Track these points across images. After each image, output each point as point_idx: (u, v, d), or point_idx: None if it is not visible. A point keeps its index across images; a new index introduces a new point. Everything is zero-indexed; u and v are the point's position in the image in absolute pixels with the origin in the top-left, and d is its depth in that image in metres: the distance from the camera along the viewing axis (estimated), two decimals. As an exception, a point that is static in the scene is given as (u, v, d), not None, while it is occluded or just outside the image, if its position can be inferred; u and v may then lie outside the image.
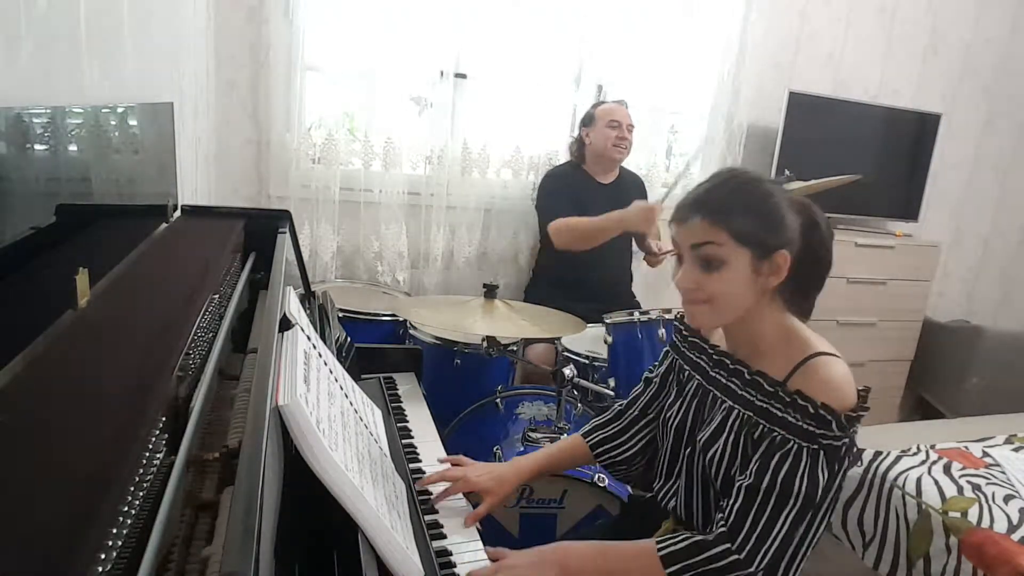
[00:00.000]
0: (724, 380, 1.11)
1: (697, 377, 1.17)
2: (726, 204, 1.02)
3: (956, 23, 3.30)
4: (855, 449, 1.00)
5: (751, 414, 1.04)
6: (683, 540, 1.00)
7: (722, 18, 2.86)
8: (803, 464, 0.96)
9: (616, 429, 1.31)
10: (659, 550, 1.00)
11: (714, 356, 1.15)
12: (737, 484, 0.99)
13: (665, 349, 1.30)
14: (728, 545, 0.96)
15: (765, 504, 0.96)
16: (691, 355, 1.21)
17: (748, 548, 0.95)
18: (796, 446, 0.96)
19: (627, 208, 2.28)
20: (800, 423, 0.97)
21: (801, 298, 1.09)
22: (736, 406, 1.07)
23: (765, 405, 1.02)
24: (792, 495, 0.95)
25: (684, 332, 1.24)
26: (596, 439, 1.31)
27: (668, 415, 1.21)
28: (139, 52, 1.42)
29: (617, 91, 2.78)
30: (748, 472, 0.99)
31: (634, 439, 1.29)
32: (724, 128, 2.97)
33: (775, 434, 0.99)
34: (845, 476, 1.00)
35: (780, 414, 0.99)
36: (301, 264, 1.65)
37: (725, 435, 1.06)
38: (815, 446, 0.96)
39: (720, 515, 1.00)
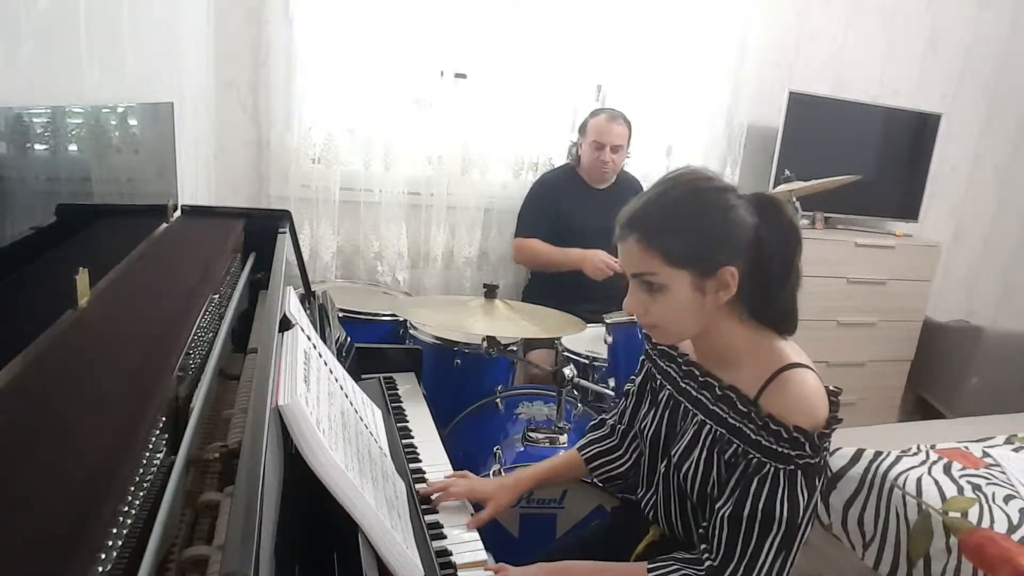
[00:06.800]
0: (694, 392, 1.10)
1: (668, 387, 1.16)
2: (661, 223, 0.99)
3: (956, 23, 3.29)
4: (828, 461, 1.01)
5: (724, 431, 1.03)
6: (673, 571, 1.00)
7: (722, 18, 2.85)
8: (782, 487, 0.95)
9: (611, 444, 1.31)
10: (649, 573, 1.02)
11: (683, 366, 1.13)
12: (719, 513, 0.98)
13: (641, 358, 1.29)
14: None
15: (750, 533, 0.96)
16: (661, 363, 1.20)
17: None
18: (773, 469, 0.96)
19: (588, 252, 2.41)
20: (774, 446, 0.95)
21: (764, 305, 1.05)
22: (708, 421, 1.05)
23: (738, 424, 1.00)
24: (775, 521, 0.95)
25: (653, 340, 1.22)
26: (591, 453, 1.32)
27: (643, 425, 1.20)
28: (139, 52, 1.42)
29: (617, 91, 2.78)
30: (728, 499, 0.99)
31: (628, 452, 1.29)
32: (724, 128, 2.97)
33: (751, 456, 0.98)
34: (822, 492, 1.01)
35: (754, 436, 0.98)
36: (301, 264, 1.65)
37: (698, 451, 1.05)
38: (791, 467, 0.95)
39: (705, 545, 1.01)
